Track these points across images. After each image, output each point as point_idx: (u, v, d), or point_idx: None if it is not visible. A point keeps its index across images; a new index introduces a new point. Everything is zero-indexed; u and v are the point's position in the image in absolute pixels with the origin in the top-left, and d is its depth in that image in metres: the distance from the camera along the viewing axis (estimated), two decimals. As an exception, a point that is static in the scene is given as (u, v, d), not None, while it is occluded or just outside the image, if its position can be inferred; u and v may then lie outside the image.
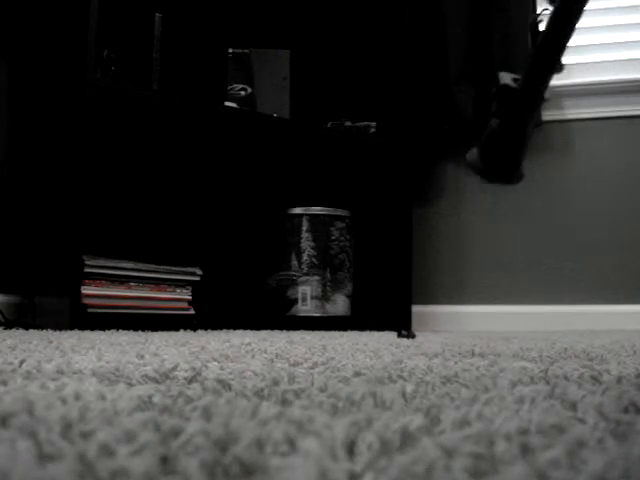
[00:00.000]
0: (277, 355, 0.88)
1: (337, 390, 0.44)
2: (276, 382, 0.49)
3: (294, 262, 2.35)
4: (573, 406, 0.40)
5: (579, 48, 2.60)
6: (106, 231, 2.21)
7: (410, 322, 2.44)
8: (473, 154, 0.90)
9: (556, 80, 2.64)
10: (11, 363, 0.65)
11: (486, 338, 1.57)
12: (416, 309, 2.58)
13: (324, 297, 2.33)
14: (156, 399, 0.39)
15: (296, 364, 0.74)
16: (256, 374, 0.58)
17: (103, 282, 1.86)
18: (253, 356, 0.87)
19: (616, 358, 0.89)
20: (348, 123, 2.47)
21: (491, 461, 0.27)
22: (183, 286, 2.02)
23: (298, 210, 2.36)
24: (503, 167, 0.90)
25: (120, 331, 1.63)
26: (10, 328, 1.74)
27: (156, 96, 2.03)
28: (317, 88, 2.64)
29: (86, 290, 1.81)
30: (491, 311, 2.68)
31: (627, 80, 2.54)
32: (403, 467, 0.25)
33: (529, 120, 0.89)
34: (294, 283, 2.33)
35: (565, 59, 2.92)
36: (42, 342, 1.09)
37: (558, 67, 0.93)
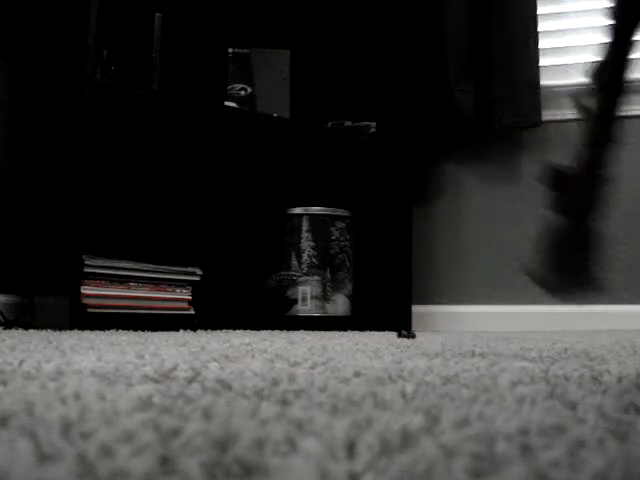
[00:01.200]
0: (277, 355, 0.88)
1: (337, 390, 0.44)
2: (276, 382, 0.49)
3: (294, 262, 2.35)
4: (573, 406, 0.40)
5: (579, 48, 2.60)
6: (106, 231, 2.21)
7: (410, 322, 2.44)
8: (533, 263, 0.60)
9: (556, 80, 2.64)
10: (11, 363, 0.64)
11: (486, 338, 1.57)
12: (416, 309, 2.58)
13: (324, 297, 2.33)
14: (156, 399, 0.39)
15: (296, 364, 0.74)
16: (256, 374, 0.58)
17: (103, 282, 1.86)
18: (253, 356, 0.86)
19: (616, 358, 0.89)
20: (348, 123, 2.47)
21: (491, 461, 0.27)
22: (183, 286, 2.02)
23: (298, 210, 2.36)
24: (576, 275, 0.61)
25: (120, 331, 1.63)
26: (10, 328, 1.74)
27: (156, 96, 2.03)
28: (317, 88, 2.64)
29: (86, 290, 1.81)
30: (491, 311, 2.67)
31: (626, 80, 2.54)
32: (403, 467, 0.25)
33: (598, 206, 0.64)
34: (294, 283, 2.33)
35: (565, 59, 2.89)
36: (42, 342, 1.09)
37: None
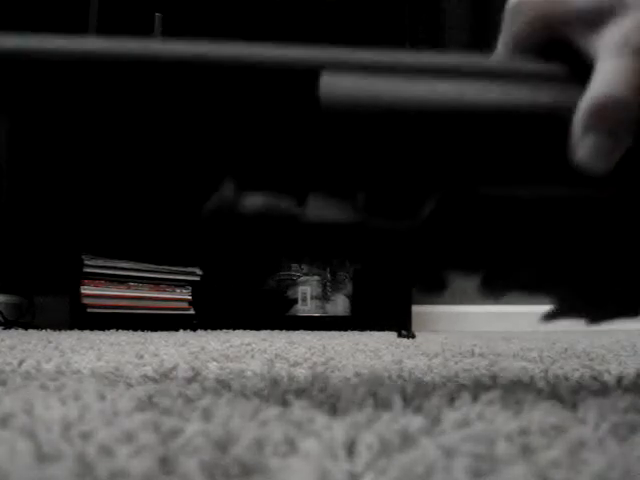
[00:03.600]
0: (277, 355, 0.88)
1: (337, 390, 0.44)
2: (276, 382, 0.49)
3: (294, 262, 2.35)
4: (573, 406, 0.40)
5: (579, 48, 2.60)
6: (106, 231, 2.21)
7: (410, 322, 2.44)
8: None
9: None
10: (10, 363, 0.64)
11: (486, 338, 1.57)
12: (416, 309, 2.58)
13: (324, 297, 2.33)
14: (156, 399, 0.39)
15: (296, 364, 0.74)
16: (256, 374, 0.58)
17: (102, 282, 1.86)
18: (253, 356, 0.87)
19: (616, 358, 0.89)
20: (348, 123, 2.47)
21: (491, 461, 0.27)
22: (183, 286, 2.02)
23: (298, 210, 2.36)
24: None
25: (120, 331, 1.63)
26: (9, 328, 1.74)
27: (156, 96, 2.02)
28: (317, 88, 2.63)
29: (85, 290, 1.81)
30: (491, 311, 2.67)
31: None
32: (403, 467, 0.25)
33: None
34: (294, 283, 2.33)
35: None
36: (41, 342, 1.09)
37: None
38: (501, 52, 0.49)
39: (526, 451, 0.28)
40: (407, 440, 0.30)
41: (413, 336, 1.62)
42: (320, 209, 0.41)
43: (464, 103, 0.43)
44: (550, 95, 0.43)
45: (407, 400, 0.41)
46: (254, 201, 0.41)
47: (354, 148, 0.43)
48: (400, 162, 0.43)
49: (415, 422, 0.31)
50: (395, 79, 0.44)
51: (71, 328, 1.72)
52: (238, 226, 0.38)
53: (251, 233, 0.38)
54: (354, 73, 0.45)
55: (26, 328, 1.72)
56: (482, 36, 2.59)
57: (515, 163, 0.42)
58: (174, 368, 0.61)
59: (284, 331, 1.94)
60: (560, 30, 0.45)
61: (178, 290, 2.01)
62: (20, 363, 0.63)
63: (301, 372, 0.60)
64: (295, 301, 2.32)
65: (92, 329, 1.69)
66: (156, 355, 0.85)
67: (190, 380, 0.53)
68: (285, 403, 0.40)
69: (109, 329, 1.68)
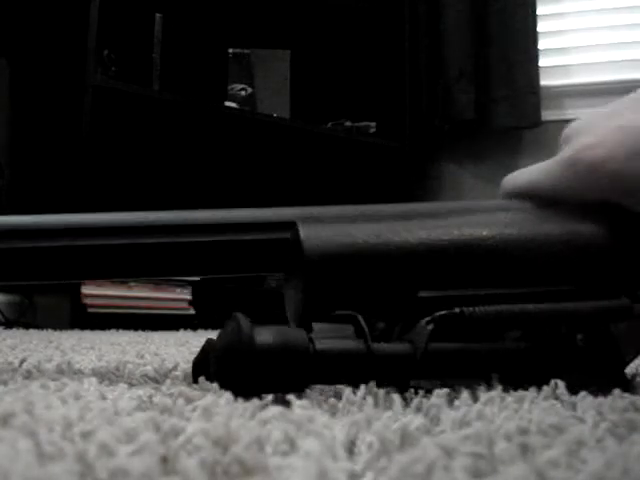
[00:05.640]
0: (277, 355, 0.88)
1: (337, 390, 0.44)
2: (276, 382, 0.49)
3: (294, 262, 2.35)
4: (573, 406, 0.40)
5: (579, 48, 2.60)
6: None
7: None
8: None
9: (556, 80, 2.63)
10: (11, 363, 0.65)
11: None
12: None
13: (324, 297, 2.33)
14: (156, 399, 0.40)
15: (296, 364, 0.74)
16: (256, 374, 0.58)
17: (103, 282, 1.86)
18: (253, 356, 0.86)
19: (616, 358, 0.89)
20: (348, 123, 2.47)
21: (491, 461, 0.27)
22: (183, 286, 2.02)
23: (298, 210, 2.36)
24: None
25: (120, 331, 1.63)
26: (10, 328, 1.74)
27: (156, 96, 2.03)
28: (317, 88, 2.64)
29: (86, 290, 1.81)
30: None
31: (627, 80, 2.54)
32: (403, 467, 0.25)
33: None
34: (294, 283, 2.33)
35: (565, 59, 2.90)
36: (42, 342, 1.09)
37: None
38: None
39: (525, 451, 0.28)
40: (407, 439, 0.30)
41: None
42: (327, 341, 0.45)
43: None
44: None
45: (407, 400, 0.41)
46: (266, 336, 0.45)
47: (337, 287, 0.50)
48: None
49: (415, 422, 0.32)
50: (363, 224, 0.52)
51: (72, 328, 1.72)
52: (253, 361, 0.42)
53: (264, 368, 0.41)
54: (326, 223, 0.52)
55: (27, 328, 1.72)
56: (481, 32, 2.60)
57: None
58: (174, 368, 0.61)
59: (284, 331, 1.94)
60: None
61: (178, 290, 2.01)
62: (21, 363, 0.63)
63: (301, 372, 0.60)
64: (295, 301, 2.32)
65: (93, 329, 1.69)
66: (157, 355, 0.85)
67: (190, 380, 0.53)
68: (285, 403, 0.40)
69: (110, 329, 1.68)
